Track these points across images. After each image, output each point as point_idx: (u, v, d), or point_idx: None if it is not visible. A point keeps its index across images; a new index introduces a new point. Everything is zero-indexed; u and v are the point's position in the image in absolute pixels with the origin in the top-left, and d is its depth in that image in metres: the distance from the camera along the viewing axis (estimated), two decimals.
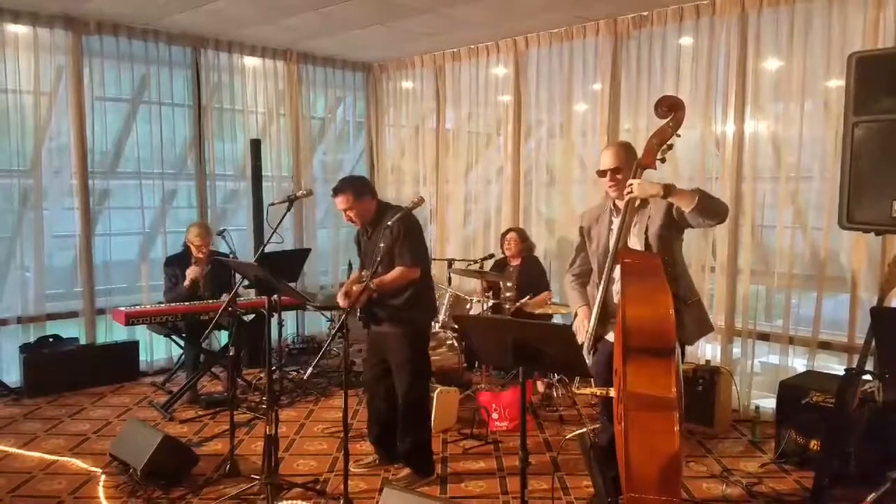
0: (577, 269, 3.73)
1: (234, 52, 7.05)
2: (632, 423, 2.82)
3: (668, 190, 3.07)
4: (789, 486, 4.09)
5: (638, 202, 3.30)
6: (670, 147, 3.25)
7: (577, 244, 3.76)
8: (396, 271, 3.97)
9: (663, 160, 3.27)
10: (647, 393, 2.81)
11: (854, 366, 3.90)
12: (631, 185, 3.14)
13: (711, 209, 3.09)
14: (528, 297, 5.76)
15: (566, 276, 3.78)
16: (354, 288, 4.01)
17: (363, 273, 4.20)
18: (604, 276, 3.31)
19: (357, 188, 4.08)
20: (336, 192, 4.08)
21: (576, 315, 3.60)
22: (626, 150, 3.47)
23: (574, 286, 3.70)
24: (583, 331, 3.41)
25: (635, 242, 3.37)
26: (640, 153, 3.32)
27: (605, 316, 3.34)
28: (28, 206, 6.02)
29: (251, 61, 7.22)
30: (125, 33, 6.31)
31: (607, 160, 3.43)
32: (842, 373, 3.93)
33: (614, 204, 3.46)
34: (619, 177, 3.37)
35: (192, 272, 5.58)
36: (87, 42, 6.15)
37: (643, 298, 2.94)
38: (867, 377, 3.78)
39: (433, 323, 6.15)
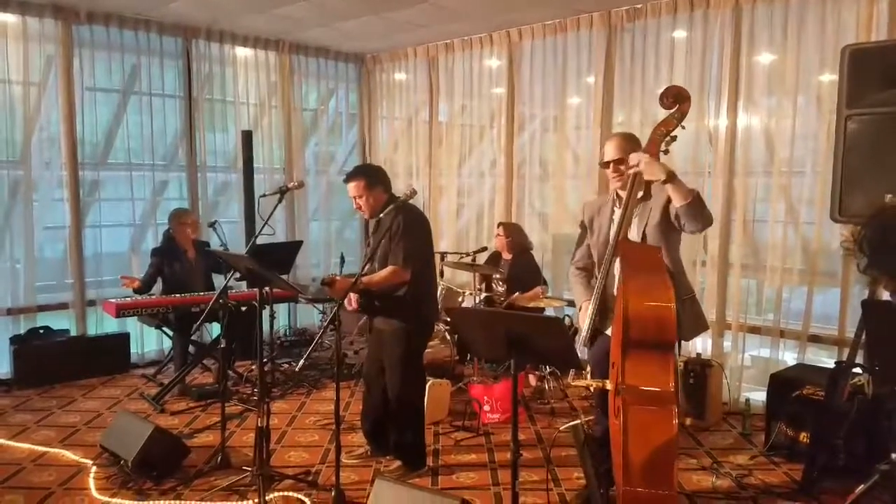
0: (580, 262, 3.72)
1: (225, 43, 7.00)
2: (630, 417, 2.82)
3: (671, 177, 3.05)
4: (779, 478, 4.11)
5: (641, 193, 3.30)
6: (674, 139, 3.25)
7: (578, 237, 3.75)
8: (386, 271, 3.90)
9: (667, 151, 3.26)
10: (646, 387, 2.81)
11: (844, 359, 3.93)
12: (638, 160, 3.11)
13: (699, 212, 3.10)
14: (517, 293, 5.75)
15: (571, 269, 3.77)
16: (339, 281, 3.86)
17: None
18: (603, 268, 3.31)
19: (370, 177, 4.03)
20: (349, 177, 4.03)
21: (580, 308, 3.58)
22: (629, 141, 3.46)
23: (579, 280, 3.69)
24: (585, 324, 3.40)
25: (634, 235, 3.37)
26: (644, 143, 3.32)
27: (605, 310, 3.35)
28: (18, 197, 5.98)
29: (243, 52, 7.17)
30: (116, 23, 6.25)
31: (611, 151, 3.43)
32: (832, 366, 3.95)
33: (617, 195, 3.46)
34: (621, 167, 3.36)
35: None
36: (77, 32, 6.09)
37: (646, 292, 2.93)
38: (857, 370, 3.80)
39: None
